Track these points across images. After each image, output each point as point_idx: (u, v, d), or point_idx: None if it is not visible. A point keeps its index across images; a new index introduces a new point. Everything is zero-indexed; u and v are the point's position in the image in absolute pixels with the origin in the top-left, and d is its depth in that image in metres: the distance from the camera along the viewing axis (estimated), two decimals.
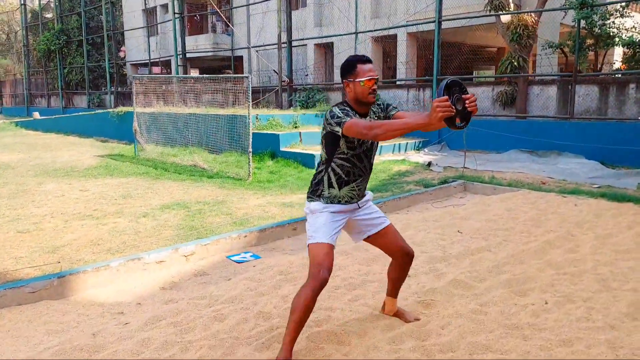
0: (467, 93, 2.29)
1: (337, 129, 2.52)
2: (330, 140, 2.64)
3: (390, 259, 3.02)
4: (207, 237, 4.83)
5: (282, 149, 9.88)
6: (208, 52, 20.87)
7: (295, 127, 10.71)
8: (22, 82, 31.51)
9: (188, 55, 23.12)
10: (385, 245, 2.90)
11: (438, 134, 11.97)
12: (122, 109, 15.52)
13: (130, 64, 26.62)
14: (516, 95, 11.08)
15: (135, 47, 25.80)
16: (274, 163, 9.68)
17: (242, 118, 10.70)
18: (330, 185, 2.70)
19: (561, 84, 10.77)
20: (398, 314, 3.14)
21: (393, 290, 3.08)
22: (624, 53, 11.14)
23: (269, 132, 10.12)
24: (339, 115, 2.53)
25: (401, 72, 14.90)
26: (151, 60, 22.79)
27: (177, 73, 19.09)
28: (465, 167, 8.89)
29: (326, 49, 17.27)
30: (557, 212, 5.87)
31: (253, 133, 10.41)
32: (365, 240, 2.90)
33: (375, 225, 2.84)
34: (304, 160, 9.44)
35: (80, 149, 12.81)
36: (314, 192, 2.74)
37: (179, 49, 18.99)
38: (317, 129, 10.87)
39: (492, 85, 11.68)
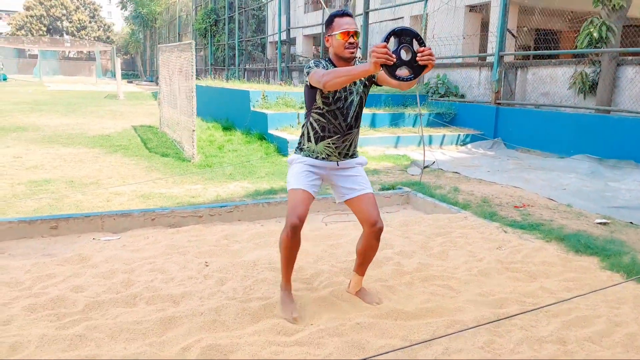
0: (425, 46, 2.14)
1: (307, 79, 2.56)
2: (307, 93, 2.69)
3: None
4: None
5: (270, 131, 8.65)
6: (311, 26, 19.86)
7: (302, 108, 9.32)
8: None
9: (306, 32, 22.68)
10: (357, 211, 2.81)
11: (494, 129, 9.31)
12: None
13: (269, 42, 27.24)
14: (598, 80, 7.84)
15: (273, 25, 26.14)
16: (258, 146, 8.54)
17: (243, 94, 9.75)
18: (309, 139, 2.75)
19: None
20: (359, 294, 3.02)
21: (358, 266, 2.97)
22: None
23: (261, 110, 8.97)
24: (310, 65, 2.56)
25: (492, 46, 11.91)
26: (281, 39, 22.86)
27: (279, 51, 18.71)
28: (426, 167, 6.64)
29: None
30: (435, 259, 3.74)
31: (253, 112, 9.43)
32: (345, 202, 2.84)
33: (353, 190, 2.78)
34: (280, 145, 8.11)
35: (139, 118, 13.28)
36: (298, 145, 2.83)
37: (283, 26, 18.53)
38: None
39: (575, 65, 8.48)
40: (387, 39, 2.09)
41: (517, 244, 4.03)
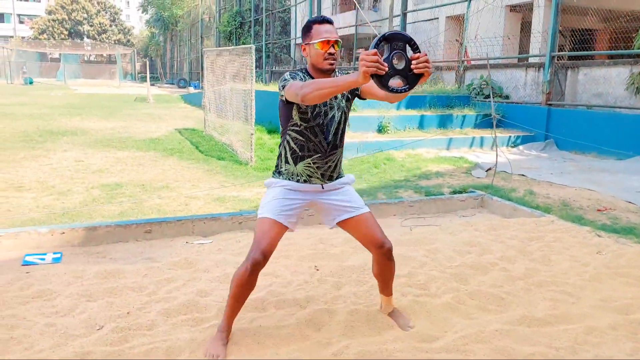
0: (419, 52, 1.90)
1: (282, 93, 2.30)
2: (282, 109, 2.40)
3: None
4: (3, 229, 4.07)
5: None
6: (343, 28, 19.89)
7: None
8: None
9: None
10: (357, 234, 2.54)
11: (545, 130, 9.22)
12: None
13: (295, 44, 27.29)
14: None
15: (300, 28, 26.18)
16: None
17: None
18: (286, 161, 2.46)
19: None
20: (392, 315, 2.78)
21: (382, 289, 2.74)
22: None
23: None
24: (286, 78, 2.29)
25: (535, 46, 11.84)
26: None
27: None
28: (489, 170, 6.63)
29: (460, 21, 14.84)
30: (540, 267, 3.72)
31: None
32: (338, 225, 2.56)
33: (346, 211, 2.50)
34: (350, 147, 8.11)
35: (179, 121, 13.39)
36: (275, 168, 2.55)
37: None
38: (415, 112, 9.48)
39: (631, 65, 8.38)
40: (377, 45, 1.86)
41: (617, 249, 3.99)
